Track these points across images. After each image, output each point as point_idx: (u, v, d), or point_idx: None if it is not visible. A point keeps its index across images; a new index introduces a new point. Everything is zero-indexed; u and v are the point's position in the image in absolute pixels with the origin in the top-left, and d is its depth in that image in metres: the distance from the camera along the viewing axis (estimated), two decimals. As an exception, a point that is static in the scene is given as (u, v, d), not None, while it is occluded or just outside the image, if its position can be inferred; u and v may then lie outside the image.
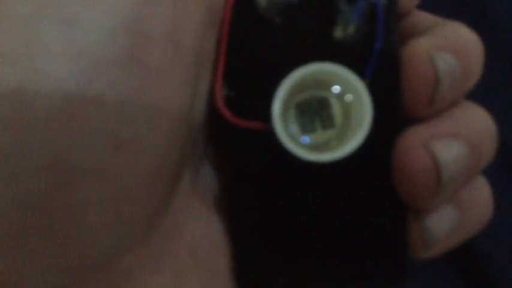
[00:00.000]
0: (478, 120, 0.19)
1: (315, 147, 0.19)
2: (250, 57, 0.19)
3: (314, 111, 0.20)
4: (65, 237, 0.16)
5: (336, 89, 0.19)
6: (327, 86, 0.19)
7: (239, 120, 0.19)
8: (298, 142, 0.19)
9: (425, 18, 0.20)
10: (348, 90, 0.19)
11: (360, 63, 0.19)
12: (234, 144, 0.19)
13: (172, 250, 0.19)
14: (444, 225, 0.19)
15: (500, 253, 0.32)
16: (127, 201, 0.17)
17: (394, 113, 0.19)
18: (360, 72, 0.18)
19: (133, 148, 0.16)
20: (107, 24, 0.16)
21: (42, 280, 0.17)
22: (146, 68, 0.16)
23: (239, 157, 0.19)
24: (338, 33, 0.19)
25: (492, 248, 0.32)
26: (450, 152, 0.18)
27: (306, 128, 0.19)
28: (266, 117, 0.18)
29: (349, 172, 0.19)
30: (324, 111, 0.20)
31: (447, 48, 0.19)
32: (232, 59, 0.19)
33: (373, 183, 0.19)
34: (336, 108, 0.20)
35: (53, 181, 0.16)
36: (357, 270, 0.20)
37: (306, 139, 0.19)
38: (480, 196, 0.20)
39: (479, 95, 0.20)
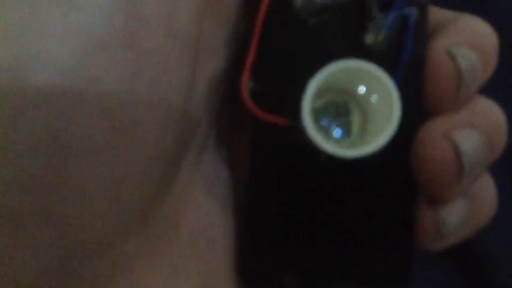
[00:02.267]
0: (491, 112, 0.20)
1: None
2: (280, 54, 0.19)
3: (332, 117, 0.20)
4: (61, 220, 0.16)
5: (362, 89, 0.19)
6: (351, 89, 0.19)
7: (265, 115, 0.19)
8: (327, 138, 0.19)
9: (437, 13, 0.20)
10: (374, 90, 0.19)
11: (386, 70, 0.19)
12: (255, 137, 0.19)
13: (171, 239, 0.19)
14: (456, 217, 0.19)
15: (502, 252, 0.32)
16: (124, 183, 0.16)
17: (415, 111, 0.19)
18: None
19: (129, 130, 0.16)
20: (104, 6, 0.15)
21: (37, 265, 0.16)
22: (142, 50, 0.16)
23: (260, 150, 0.19)
24: (369, 39, 0.19)
25: (494, 247, 0.32)
26: (470, 142, 0.19)
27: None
28: (291, 112, 0.18)
29: (367, 172, 0.19)
30: (342, 118, 0.20)
31: (465, 43, 0.19)
32: (262, 53, 0.19)
33: (386, 186, 0.19)
34: (355, 116, 0.20)
35: (48, 161, 0.15)
36: (363, 271, 0.20)
37: (339, 132, 0.19)
38: (487, 190, 0.20)
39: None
